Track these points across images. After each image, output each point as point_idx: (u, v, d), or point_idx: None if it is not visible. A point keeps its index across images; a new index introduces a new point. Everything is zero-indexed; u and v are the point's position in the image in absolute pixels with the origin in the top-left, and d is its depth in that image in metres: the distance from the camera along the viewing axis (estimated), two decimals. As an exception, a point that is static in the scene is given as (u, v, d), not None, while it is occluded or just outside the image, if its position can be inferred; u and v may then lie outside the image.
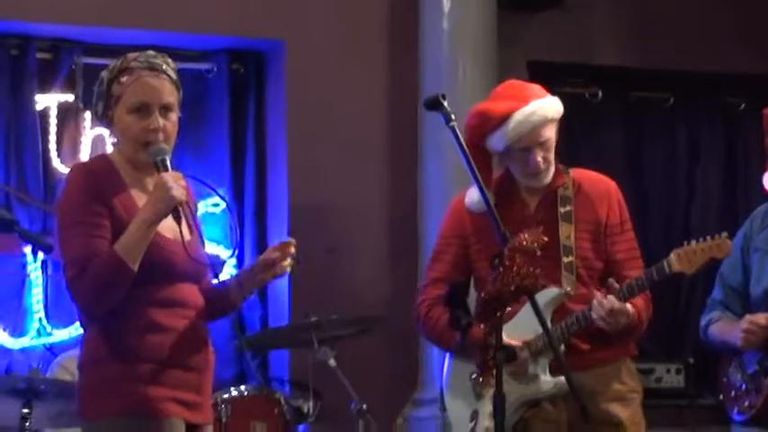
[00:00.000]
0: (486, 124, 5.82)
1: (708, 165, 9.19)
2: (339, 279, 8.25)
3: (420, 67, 8.48)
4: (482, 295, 5.35)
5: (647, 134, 9.13)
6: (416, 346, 8.19)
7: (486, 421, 5.81)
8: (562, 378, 5.53)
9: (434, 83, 8.19)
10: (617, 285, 5.64)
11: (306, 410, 7.02)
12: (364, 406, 7.03)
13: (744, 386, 6.17)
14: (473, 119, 5.87)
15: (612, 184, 6.02)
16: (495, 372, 5.15)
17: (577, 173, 6.00)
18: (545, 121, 5.81)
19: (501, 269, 5.17)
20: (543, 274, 5.31)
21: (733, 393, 6.23)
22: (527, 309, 5.44)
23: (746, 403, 6.16)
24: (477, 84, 8.27)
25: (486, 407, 5.77)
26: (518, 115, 5.74)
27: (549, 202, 5.90)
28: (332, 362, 7.07)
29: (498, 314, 5.22)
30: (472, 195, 5.83)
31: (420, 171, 8.39)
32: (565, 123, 5.99)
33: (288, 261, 5.11)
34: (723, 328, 6.22)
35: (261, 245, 8.50)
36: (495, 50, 8.45)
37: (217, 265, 5.43)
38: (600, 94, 8.85)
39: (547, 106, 5.85)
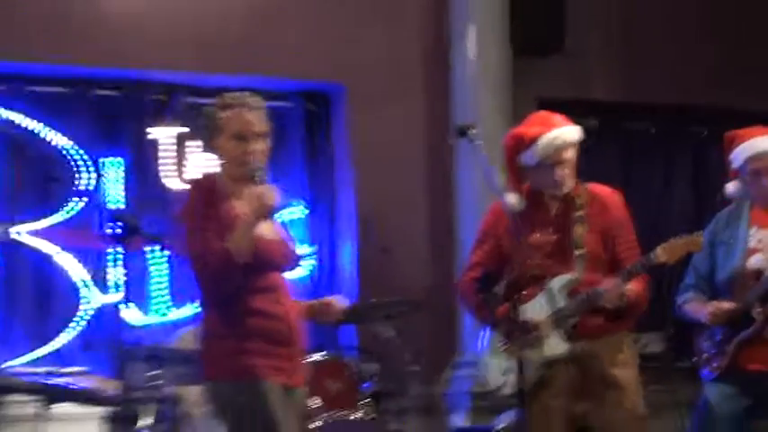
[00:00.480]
0: (520, 144, 5.91)
1: (680, 179, 9.48)
2: (394, 270, 8.30)
3: (451, 103, 8.55)
4: (505, 281, 5.78)
5: (632, 157, 9.34)
6: (454, 321, 8.34)
7: (513, 376, 5.77)
8: (575, 344, 5.72)
9: (462, 115, 8.21)
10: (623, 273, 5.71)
11: (370, 371, 7.16)
12: (416, 367, 7.24)
13: (713, 351, 6.34)
14: (510, 140, 5.99)
15: (616, 195, 6.08)
16: (516, 341, 5.62)
17: (591, 186, 6.05)
18: (566, 144, 5.89)
19: (519, 259, 5.60)
20: (559, 262, 5.82)
21: (704, 356, 6.38)
22: (543, 293, 5.80)
23: (714, 365, 6.33)
24: (497, 116, 8.37)
25: (515, 366, 5.83)
26: (544, 138, 5.85)
27: (567, 207, 5.96)
28: (390, 333, 7.19)
29: (518, 296, 5.65)
30: (508, 200, 5.86)
31: (454, 186, 8.50)
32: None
33: (335, 315, 5.48)
34: (694, 307, 6.38)
35: (332, 245, 8.63)
36: (511, 89, 8.56)
37: (297, 258, 5.64)
38: (596, 123, 8.91)
39: (568, 132, 5.93)
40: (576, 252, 5.93)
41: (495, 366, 6.08)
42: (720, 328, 6.34)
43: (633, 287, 5.82)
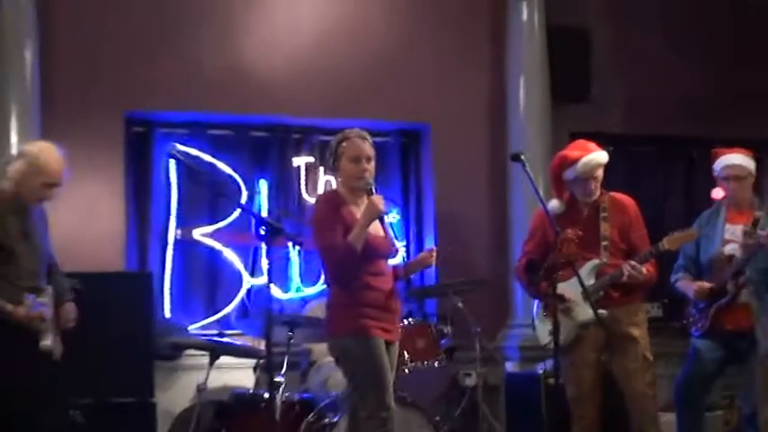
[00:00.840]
0: (565, 163, 6.07)
1: (674, 190, 9.23)
2: (463, 259, 8.15)
3: (507, 136, 8.38)
4: (544, 265, 5.64)
5: (640, 174, 9.11)
6: (508, 294, 8.21)
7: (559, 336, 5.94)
8: (602, 311, 5.74)
9: (515, 145, 8.07)
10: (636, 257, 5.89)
11: (446, 332, 7.08)
12: (479, 329, 7.14)
13: (698, 315, 6.32)
14: (557, 160, 6.15)
15: (631, 200, 6.21)
16: (552, 308, 5.53)
17: (612, 193, 6.16)
18: (598, 165, 6.03)
19: (555, 250, 5.47)
20: (589, 251, 5.86)
21: (691, 319, 6.37)
22: (580, 271, 5.72)
23: (699, 325, 6.32)
24: (540, 145, 8.23)
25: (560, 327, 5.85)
26: (584, 160, 5.95)
27: (595, 210, 6.07)
28: (460, 304, 7.13)
29: (554, 276, 5.51)
30: (552, 205, 6.01)
31: (508, 197, 8.35)
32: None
33: (431, 261, 5.43)
34: (684, 284, 6.41)
35: (419, 241, 8.50)
36: (550, 126, 8.38)
37: (396, 250, 5.60)
38: (612, 149, 8.40)
39: (599, 156, 6.05)
40: (603, 243, 5.99)
41: (543, 329, 6.13)
42: (703, 301, 6.29)
43: (647, 268, 5.94)
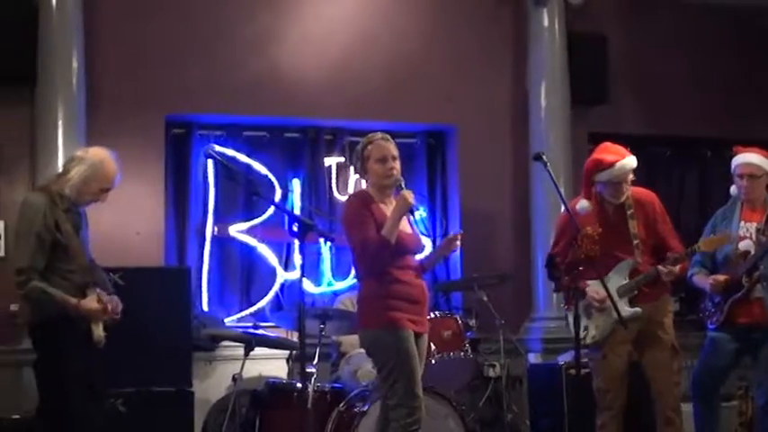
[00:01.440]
0: (600, 166, 5.92)
1: (689, 189, 9.11)
2: (488, 254, 8.16)
3: (529, 137, 8.30)
4: (565, 261, 5.56)
5: (655, 174, 8.96)
6: (530, 288, 8.16)
7: (592, 331, 5.91)
8: (636, 309, 5.78)
9: (537, 146, 7.96)
10: (670, 258, 5.81)
11: (471, 324, 7.04)
12: (503, 321, 7.11)
13: (713, 309, 6.22)
14: (592, 163, 5.99)
15: (653, 194, 6.12)
16: (573, 303, 5.43)
17: (633, 189, 6.01)
18: (631, 169, 5.93)
19: (576, 247, 5.37)
20: (621, 250, 5.80)
21: (707, 313, 6.27)
22: (614, 271, 5.78)
23: (714, 318, 6.21)
24: (560, 146, 8.18)
25: (591, 324, 5.90)
26: (619, 164, 5.86)
27: (621, 208, 5.95)
28: (484, 298, 7.08)
29: (575, 271, 5.42)
30: (582, 205, 5.89)
31: (530, 194, 8.28)
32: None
33: (457, 244, 5.36)
34: (700, 278, 6.28)
35: (445, 236, 7.87)
36: (569, 127, 8.32)
37: (423, 245, 5.57)
38: (628, 149, 8.53)
39: (632, 161, 5.95)
40: (634, 242, 5.90)
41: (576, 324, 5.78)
42: (718, 294, 6.19)
43: (679, 266, 5.88)
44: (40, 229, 5.23)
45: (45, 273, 5.24)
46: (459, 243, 5.40)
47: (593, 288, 5.77)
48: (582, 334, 5.83)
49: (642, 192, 6.09)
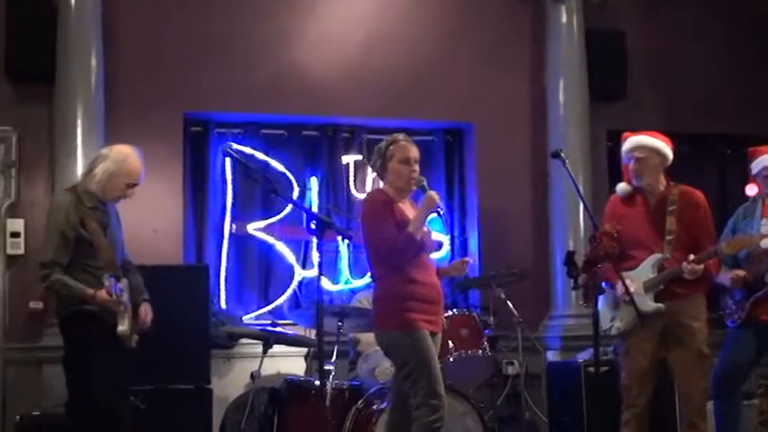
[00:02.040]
0: (621, 143, 5.96)
1: (708, 187, 8.91)
2: (506, 251, 8.12)
3: (548, 134, 8.28)
4: (583, 257, 5.53)
5: (673, 171, 8.87)
6: (548, 286, 8.12)
7: (617, 322, 5.85)
8: (659, 305, 5.70)
9: (555, 143, 7.98)
10: (692, 257, 5.69)
11: (489, 322, 7.01)
12: (521, 319, 7.08)
13: (734, 306, 6.18)
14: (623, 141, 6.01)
15: (702, 196, 5.97)
16: (591, 299, 5.41)
17: (682, 187, 5.96)
18: (637, 145, 5.91)
19: (594, 244, 5.35)
20: (653, 243, 5.73)
21: (728, 311, 6.24)
22: (642, 265, 5.73)
23: (735, 316, 6.18)
24: (578, 143, 8.16)
25: (618, 315, 5.84)
26: (629, 140, 5.90)
27: (662, 202, 5.87)
28: (502, 295, 7.06)
29: (594, 268, 5.38)
30: (619, 187, 5.92)
31: (549, 192, 8.24)
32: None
33: (465, 269, 5.44)
34: (720, 275, 6.14)
35: (463, 235, 8.36)
36: (588, 124, 8.28)
37: (440, 244, 5.58)
38: None
39: (641, 137, 5.95)
40: (667, 237, 5.80)
41: (605, 315, 5.92)
42: (739, 291, 6.13)
43: (707, 265, 5.74)
44: (64, 227, 5.36)
45: (71, 268, 5.36)
46: (466, 267, 5.46)
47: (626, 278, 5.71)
48: (608, 325, 5.89)
49: (692, 191, 5.98)
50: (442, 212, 5.28)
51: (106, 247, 5.42)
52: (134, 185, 5.60)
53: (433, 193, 5.14)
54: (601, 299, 5.89)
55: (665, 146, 5.98)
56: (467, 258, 5.49)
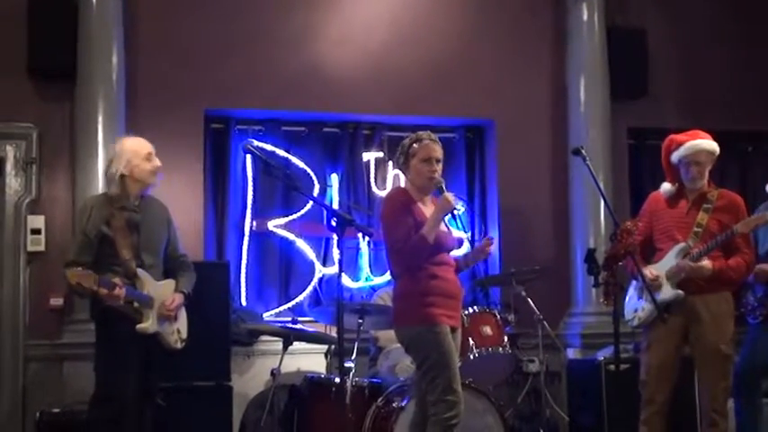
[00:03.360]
0: (671, 145, 5.92)
1: (731, 183, 8.81)
2: (526, 249, 8.10)
3: (568, 131, 8.25)
4: (604, 255, 5.50)
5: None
6: (568, 283, 8.09)
7: (640, 312, 5.83)
8: (679, 291, 5.67)
9: (576, 140, 7.87)
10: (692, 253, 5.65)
11: (510, 319, 6.93)
12: (541, 316, 7.08)
13: (756, 304, 6.15)
14: (667, 142, 5.98)
15: (742, 201, 5.96)
16: (612, 297, 5.35)
17: (723, 191, 5.96)
18: (701, 150, 5.84)
19: (615, 241, 5.31)
20: (681, 234, 5.75)
21: (749, 308, 6.19)
22: (667, 255, 5.74)
23: (757, 313, 6.14)
24: (599, 141, 8.11)
25: (641, 306, 5.84)
26: (688, 144, 5.85)
27: (699, 200, 5.86)
28: (523, 293, 7.07)
29: (614, 266, 5.34)
30: (664, 188, 5.90)
31: (569, 189, 8.20)
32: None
33: (489, 249, 5.35)
34: None
35: (483, 231, 8.33)
36: (609, 122, 8.23)
37: (461, 241, 5.55)
38: None
39: (705, 143, 5.87)
40: (695, 229, 5.78)
41: (629, 308, 5.94)
42: (761, 287, 6.09)
43: (735, 259, 5.76)
44: (86, 227, 5.52)
45: (100, 267, 5.43)
46: (490, 248, 5.37)
47: (649, 268, 5.74)
48: (632, 315, 5.88)
49: (732, 195, 5.98)
50: (460, 213, 5.24)
51: (124, 247, 5.48)
52: (151, 154, 5.73)
53: (448, 195, 5.10)
54: (628, 291, 5.97)
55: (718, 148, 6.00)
56: (489, 238, 5.39)
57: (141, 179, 5.67)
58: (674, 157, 5.88)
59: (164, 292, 5.65)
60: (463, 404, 5.08)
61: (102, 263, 5.46)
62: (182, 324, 5.77)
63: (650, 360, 5.78)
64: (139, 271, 5.51)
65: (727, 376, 5.78)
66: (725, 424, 5.76)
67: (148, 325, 5.48)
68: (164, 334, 5.61)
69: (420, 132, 5.33)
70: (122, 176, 5.62)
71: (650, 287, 5.55)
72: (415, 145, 5.26)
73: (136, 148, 5.69)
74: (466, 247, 7.98)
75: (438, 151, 5.27)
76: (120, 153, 5.66)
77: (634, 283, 5.94)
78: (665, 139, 6.00)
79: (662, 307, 5.58)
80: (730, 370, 5.82)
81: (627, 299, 5.96)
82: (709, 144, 5.88)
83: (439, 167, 5.25)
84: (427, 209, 5.26)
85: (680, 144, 5.87)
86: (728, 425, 5.86)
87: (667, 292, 5.71)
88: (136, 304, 5.47)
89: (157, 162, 5.74)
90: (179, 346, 5.71)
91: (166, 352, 5.66)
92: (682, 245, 5.76)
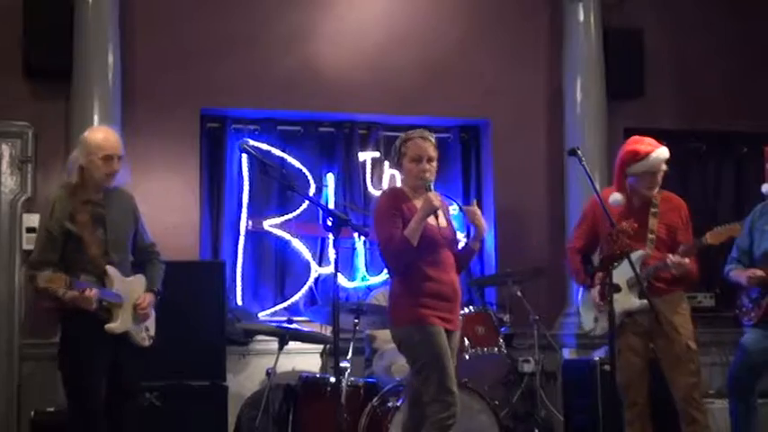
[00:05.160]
0: (636, 157, 5.83)
1: (725, 184, 8.96)
2: (522, 249, 8.10)
3: (564, 131, 8.24)
4: (600, 256, 5.53)
5: (691, 169, 8.86)
6: (565, 282, 8.03)
7: (602, 322, 5.86)
8: (645, 301, 5.56)
9: (572, 141, 7.92)
10: (681, 248, 5.66)
11: (505, 320, 6.95)
12: (537, 316, 7.09)
13: (750, 305, 6.15)
14: (628, 154, 5.88)
15: (682, 202, 6.02)
16: (608, 297, 5.32)
17: (664, 192, 5.98)
18: (665, 159, 5.88)
19: (611, 242, 5.33)
20: (636, 242, 5.66)
21: (743, 309, 6.20)
22: (624, 263, 5.49)
23: (752, 315, 6.14)
24: (595, 141, 8.09)
25: (601, 316, 5.83)
26: (654, 154, 5.83)
27: (646, 204, 5.89)
28: (518, 293, 7.08)
29: (610, 266, 5.36)
30: (615, 198, 5.80)
31: (565, 190, 8.19)
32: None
33: (475, 210, 5.22)
34: (736, 273, 6.23)
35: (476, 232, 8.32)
36: (605, 122, 8.21)
37: (458, 240, 5.51)
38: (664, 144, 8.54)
39: (665, 151, 5.89)
40: (649, 236, 5.85)
41: (587, 316, 6.07)
42: (756, 289, 6.10)
43: (689, 263, 5.74)
44: (48, 223, 5.32)
45: (66, 265, 5.27)
46: (478, 211, 5.22)
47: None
48: (590, 325, 5.99)
49: (673, 196, 6.03)
50: (452, 208, 5.19)
51: (92, 243, 5.30)
52: (110, 157, 5.38)
53: (431, 195, 5.06)
54: (581, 299, 6.05)
55: None
56: (470, 206, 5.30)
57: (94, 178, 5.41)
58: (638, 167, 5.84)
59: (133, 288, 5.48)
60: (459, 405, 5.06)
61: (69, 260, 5.28)
62: (150, 322, 5.60)
63: (626, 364, 5.78)
64: (109, 268, 5.34)
65: (697, 372, 5.82)
66: (705, 418, 5.79)
67: (117, 325, 5.33)
68: (133, 333, 5.44)
69: (411, 131, 5.30)
70: (81, 167, 5.40)
71: (641, 287, 5.56)
72: (407, 143, 5.23)
73: (98, 144, 5.39)
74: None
75: (429, 149, 5.21)
76: (84, 143, 5.43)
77: (582, 292, 6.03)
78: (626, 150, 5.92)
79: (626, 314, 5.70)
80: (698, 365, 5.84)
81: (582, 306, 6.07)
82: (666, 152, 5.91)
83: (432, 165, 5.21)
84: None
85: (645, 155, 5.83)
86: (710, 419, 5.91)
87: (633, 303, 5.76)
88: (104, 303, 5.30)
89: (115, 167, 5.42)
90: (147, 343, 5.54)
91: (135, 350, 5.47)
92: (640, 252, 5.78)
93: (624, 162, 5.90)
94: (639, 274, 5.60)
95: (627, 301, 5.73)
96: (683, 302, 5.91)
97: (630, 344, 5.80)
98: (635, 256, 5.71)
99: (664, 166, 5.88)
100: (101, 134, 5.48)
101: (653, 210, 5.89)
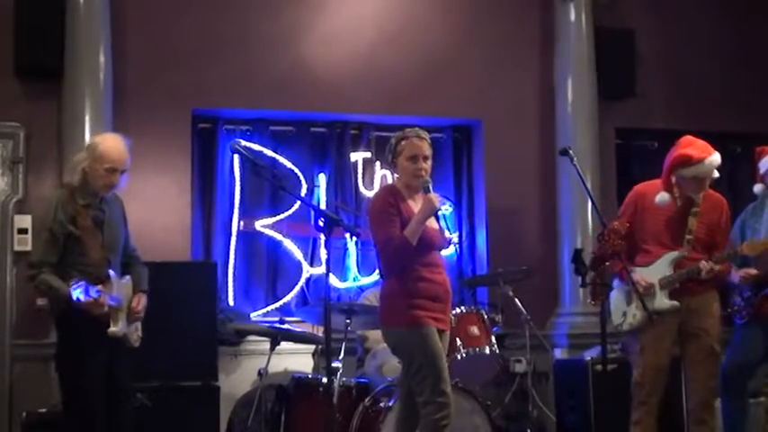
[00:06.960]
0: (689, 162, 5.77)
1: (719, 184, 8.82)
2: (513, 249, 8.09)
3: (556, 131, 8.26)
4: (591, 255, 5.51)
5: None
6: (556, 283, 8.08)
7: (629, 318, 5.86)
8: (675, 302, 5.71)
9: (563, 140, 7.96)
10: (716, 256, 5.70)
11: (497, 319, 6.93)
12: (528, 316, 7.08)
13: (742, 304, 6.16)
14: (681, 157, 5.81)
15: (723, 200, 6.01)
16: (600, 297, 5.35)
17: (708, 191, 5.94)
18: (717, 166, 5.85)
19: (602, 241, 5.32)
20: (674, 242, 5.78)
21: (736, 308, 6.20)
22: (659, 262, 5.75)
23: (744, 313, 6.15)
24: (587, 141, 8.14)
25: (630, 310, 5.86)
26: (708, 160, 5.77)
27: (687, 204, 5.87)
28: (510, 293, 7.07)
29: (602, 266, 5.35)
30: (662, 198, 5.81)
31: (557, 190, 8.20)
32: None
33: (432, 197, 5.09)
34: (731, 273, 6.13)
35: (471, 232, 8.35)
36: (597, 122, 8.24)
37: (449, 242, 5.49)
38: (656, 144, 8.59)
39: (718, 158, 5.86)
40: (687, 237, 5.84)
41: (616, 311, 5.99)
42: (748, 288, 6.10)
43: (721, 267, 5.81)
44: (52, 225, 5.32)
45: (64, 267, 5.30)
46: (434, 195, 5.11)
47: (640, 274, 5.76)
48: (620, 320, 5.92)
49: (716, 196, 6.01)
50: (446, 212, 5.19)
51: (94, 246, 5.34)
52: (116, 170, 5.41)
53: (432, 196, 5.06)
54: (613, 294, 5.95)
55: None
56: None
57: (94, 184, 5.43)
58: (689, 172, 5.80)
59: (126, 291, 5.50)
60: (453, 405, 5.06)
61: (69, 263, 5.31)
62: (139, 322, 5.62)
63: (646, 362, 5.80)
64: (111, 273, 5.38)
65: (717, 375, 5.88)
66: (713, 421, 5.83)
67: (118, 328, 5.35)
68: (128, 334, 5.48)
69: (407, 130, 5.28)
70: (84, 170, 5.41)
71: (642, 296, 5.54)
72: (402, 142, 5.21)
73: (105, 154, 5.40)
74: (455, 247, 8.08)
75: (425, 148, 5.19)
76: (92, 149, 5.44)
77: (618, 283, 5.95)
78: (679, 153, 5.86)
79: (653, 314, 5.63)
80: (719, 369, 5.91)
81: (612, 300, 5.97)
82: (719, 158, 5.89)
83: (428, 164, 5.19)
84: (417, 206, 5.18)
85: (698, 161, 5.79)
86: (716, 423, 5.93)
87: (664, 303, 5.76)
88: (104, 309, 5.30)
89: (115, 180, 5.43)
90: (137, 344, 5.56)
91: (128, 351, 5.49)
92: (676, 254, 5.80)
93: (675, 164, 5.85)
94: (672, 276, 5.71)
95: (657, 300, 5.75)
96: (716, 303, 5.91)
97: (656, 342, 5.79)
98: (670, 256, 5.79)
99: (716, 173, 5.87)
100: (111, 144, 5.47)
101: (694, 209, 5.86)
